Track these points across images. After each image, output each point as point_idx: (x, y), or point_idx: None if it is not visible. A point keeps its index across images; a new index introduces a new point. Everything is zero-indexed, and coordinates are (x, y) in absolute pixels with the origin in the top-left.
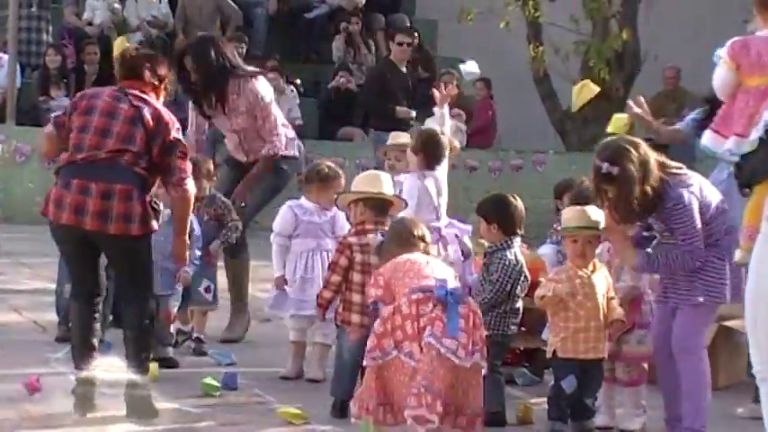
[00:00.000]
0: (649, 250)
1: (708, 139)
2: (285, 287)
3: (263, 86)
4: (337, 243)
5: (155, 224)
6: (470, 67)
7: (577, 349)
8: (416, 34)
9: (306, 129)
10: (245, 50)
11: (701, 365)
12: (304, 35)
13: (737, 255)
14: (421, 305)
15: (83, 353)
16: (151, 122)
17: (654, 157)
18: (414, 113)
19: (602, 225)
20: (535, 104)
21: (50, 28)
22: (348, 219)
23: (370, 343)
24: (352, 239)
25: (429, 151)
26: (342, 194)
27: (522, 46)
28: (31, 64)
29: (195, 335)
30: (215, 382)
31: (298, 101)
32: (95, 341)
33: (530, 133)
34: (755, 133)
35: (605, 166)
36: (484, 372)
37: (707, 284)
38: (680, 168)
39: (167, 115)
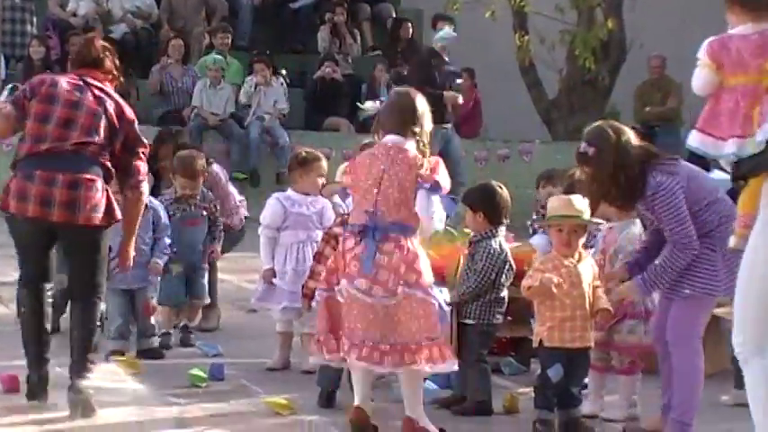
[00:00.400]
0: (641, 276)
1: (698, 141)
2: (274, 280)
3: None
4: (324, 234)
5: (118, 213)
6: (446, 34)
7: (564, 338)
8: (410, 24)
9: (292, 119)
10: (230, 41)
11: (693, 359)
12: (289, 26)
13: (732, 240)
14: (347, 241)
15: (37, 346)
16: (114, 117)
17: (639, 144)
18: (461, 98)
19: (586, 214)
20: (521, 94)
21: (34, 19)
22: (334, 209)
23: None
24: (338, 230)
25: None
26: (329, 185)
27: (508, 35)
28: (16, 55)
29: (183, 323)
30: (202, 373)
31: (285, 91)
32: (48, 328)
33: (516, 123)
34: (761, 135)
35: (583, 145)
36: (433, 301)
37: (696, 277)
38: (670, 158)
39: (129, 112)
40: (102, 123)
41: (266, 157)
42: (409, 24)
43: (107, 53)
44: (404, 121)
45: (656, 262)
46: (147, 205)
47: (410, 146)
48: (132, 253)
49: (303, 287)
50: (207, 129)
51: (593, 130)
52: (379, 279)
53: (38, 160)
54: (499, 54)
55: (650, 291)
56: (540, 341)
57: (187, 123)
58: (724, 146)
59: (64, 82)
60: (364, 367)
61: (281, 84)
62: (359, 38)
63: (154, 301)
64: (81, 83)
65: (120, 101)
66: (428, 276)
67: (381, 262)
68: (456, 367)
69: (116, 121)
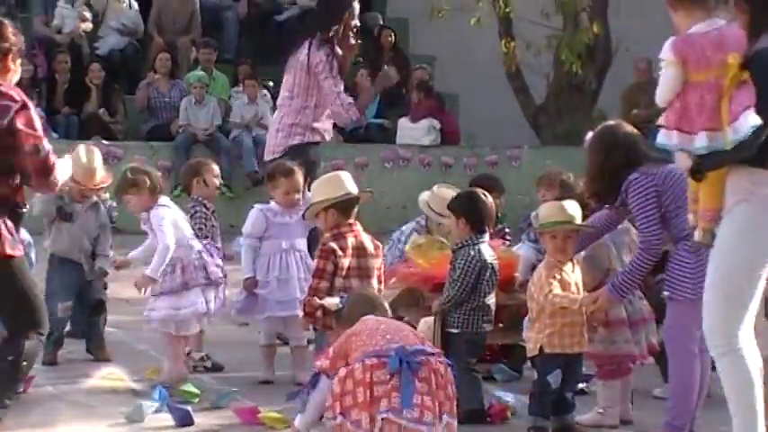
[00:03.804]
0: (610, 283)
1: (668, 137)
2: (256, 290)
3: None
4: (319, 250)
5: (8, 249)
6: None
7: (563, 344)
8: (393, 33)
9: None
10: (215, 56)
11: (687, 364)
12: (275, 37)
13: (696, 234)
14: (375, 371)
15: None
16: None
17: (631, 143)
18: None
19: (578, 219)
20: (508, 100)
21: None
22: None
23: (327, 402)
24: (334, 244)
25: None
26: (312, 206)
27: (494, 42)
28: None
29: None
30: (194, 389)
31: (270, 104)
32: None
33: (504, 129)
34: (734, 134)
35: (588, 135)
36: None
37: (676, 281)
38: (657, 159)
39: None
40: None
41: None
42: (391, 32)
43: None
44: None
45: (622, 270)
46: None
47: None
48: None
49: (305, 305)
50: (195, 143)
51: (601, 125)
52: (425, 405)
53: None
54: (485, 61)
55: (622, 296)
56: (541, 348)
57: (175, 138)
58: (695, 139)
59: None
60: None
61: (265, 95)
62: None
63: None
64: None
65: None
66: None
67: (422, 389)
68: None
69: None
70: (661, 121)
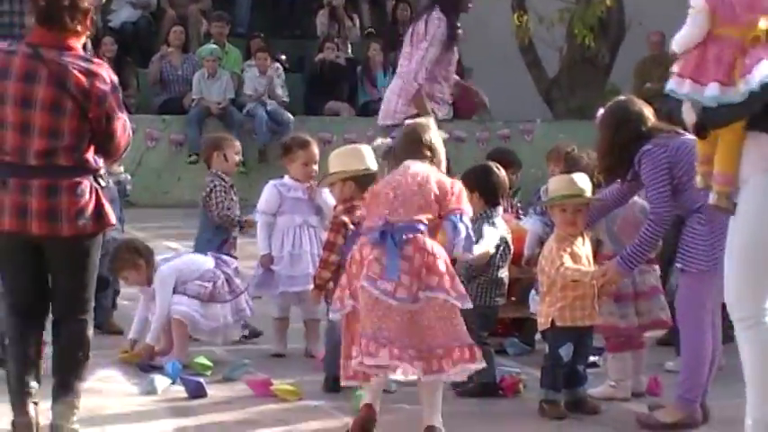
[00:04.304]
0: (619, 256)
1: (679, 84)
2: (271, 266)
3: None
4: (331, 222)
5: (112, 217)
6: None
7: (575, 317)
8: (409, 7)
9: (292, 105)
10: (227, 30)
11: (699, 335)
12: (287, 11)
13: (712, 198)
14: (364, 248)
15: (20, 387)
16: (80, 97)
17: (642, 118)
18: None
19: (588, 192)
20: (521, 74)
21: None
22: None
23: (335, 295)
24: (345, 218)
25: None
26: (331, 176)
27: (507, 15)
28: None
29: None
30: (207, 361)
31: (283, 77)
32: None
33: (517, 103)
34: (745, 86)
35: (600, 111)
36: (460, 305)
37: (684, 251)
38: (669, 131)
39: (102, 82)
40: (64, 120)
41: (273, 138)
42: (407, 6)
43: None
44: (417, 152)
45: (631, 243)
46: None
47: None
48: None
49: (316, 278)
50: (208, 116)
51: (613, 102)
52: (402, 283)
53: (6, 168)
54: (498, 34)
55: (631, 268)
56: (552, 321)
57: (187, 111)
58: (704, 89)
59: (15, 67)
60: (396, 367)
61: (278, 69)
62: (358, 21)
63: None
64: (34, 60)
65: (89, 66)
66: (450, 277)
67: (403, 267)
68: (484, 364)
69: (84, 99)
70: (675, 67)
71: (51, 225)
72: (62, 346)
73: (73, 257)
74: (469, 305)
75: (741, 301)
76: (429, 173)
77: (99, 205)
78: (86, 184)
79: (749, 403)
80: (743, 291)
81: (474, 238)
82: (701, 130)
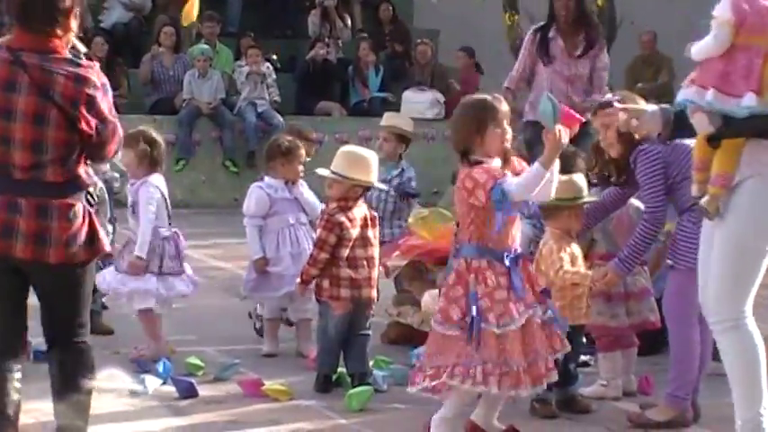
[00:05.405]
0: (616, 258)
1: (700, 94)
2: (268, 267)
3: None
4: (323, 220)
5: (106, 244)
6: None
7: (573, 316)
8: (391, 6)
9: (284, 104)
10: (218, 30)
11: (687, 333)
12: (278, 10)
13: (704, 200)
14: (497, 272)
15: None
16: (66, 105)
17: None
18: None
19: (585, 191)
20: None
21: None
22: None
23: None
24: (341, 217)
25: None
26: (336, 180)
27: (498, 15)
28: None
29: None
30: (199, 362)
31: (274, 76)
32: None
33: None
34: None
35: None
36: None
37: (675, 248)
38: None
39: (92, 87)
40: (50, 131)
41: (262, 140)
42: (389, 5)
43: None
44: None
45: (626, 245)
46: None
47: None
48: None
49: (303, 274)
50: (199, 116)
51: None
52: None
53: None
54: (491, 35)
55: (629, 270)
56: None
57: (178, 112)
58: (739, 101)
59: None
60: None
61: (268, 68)
62: (349, 22)
63: None
64: (15, 67)
65: (73, 69)
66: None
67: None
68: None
69: (71, 108)
70: (690, 79)
71: (38, 249)
72: (61, 375)
73: (62, 287)
74: None
75: (720, 302)
76: None
77: (92, 230)
78: (80, 206)
79: (737, 405)
80: (723, 292)
81: None
82: (713, 139)
